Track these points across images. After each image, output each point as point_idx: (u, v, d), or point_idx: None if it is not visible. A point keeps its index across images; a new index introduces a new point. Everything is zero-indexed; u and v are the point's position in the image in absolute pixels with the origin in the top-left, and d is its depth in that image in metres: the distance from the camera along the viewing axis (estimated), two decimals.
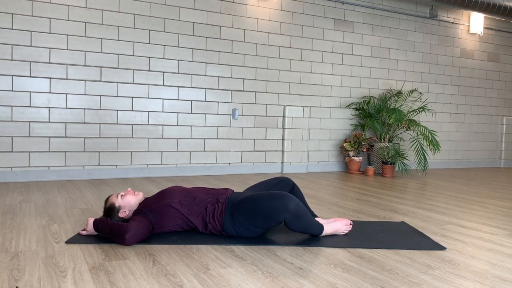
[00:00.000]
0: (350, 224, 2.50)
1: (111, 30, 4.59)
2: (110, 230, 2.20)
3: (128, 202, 2.39)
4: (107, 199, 2.44)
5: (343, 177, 5.31)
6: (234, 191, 2.52)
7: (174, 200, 2.35)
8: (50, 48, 4.34)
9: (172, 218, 2.32)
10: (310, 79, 5.76)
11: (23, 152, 4.29)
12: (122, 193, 2.44)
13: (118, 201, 2.39)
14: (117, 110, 4.66)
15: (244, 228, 2.30)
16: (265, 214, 2.22)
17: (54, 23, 4.35)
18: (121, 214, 2.37)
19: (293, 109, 5.61)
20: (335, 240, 2.34)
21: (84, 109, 4.52)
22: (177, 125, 4.97)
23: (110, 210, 2.39)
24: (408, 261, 2.04)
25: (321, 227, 2.37)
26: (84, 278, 1.73)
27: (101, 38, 4.55)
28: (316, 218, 2.53)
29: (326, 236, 2.43)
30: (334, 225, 2.44)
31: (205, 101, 5.12)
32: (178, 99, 4.96)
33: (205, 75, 5.10)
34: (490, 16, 6.72)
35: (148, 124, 4.82)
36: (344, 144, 5.74)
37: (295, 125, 5.63)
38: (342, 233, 2.47)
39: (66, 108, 4.44)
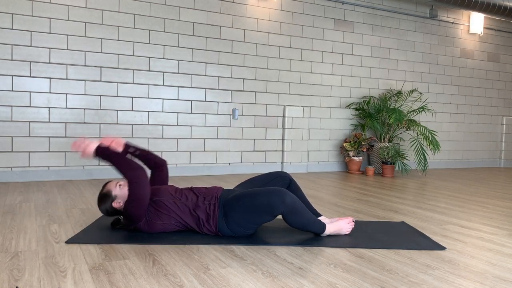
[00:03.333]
0: (353, 221, 2.49)
1: (111, 30, 4.59)
2: (120, 161, 2.25)
3: (125, 193, 2.34)
4: (105, 184, 2.41)
5: (343, 177, 5.31)
6: (224, 188, 2.48)
7: (167, 197, 2.34)
8: (50, 48, 4.34)
9: (165, 215, 2.31)
10: (310, 79, 5.76)
11: (23, 152, 4.29)
12: (121, 183, 2.38)
13: (115, 191, 2.35)
14: (117, 110, 4.66)
15: (239, 227, 2.29)
16: (261, 209, 2.22)
17: (54, 23, 4.35)
18: (115, 204, 2.34)
19: (293, 109, 5.61)
20: (335, 240, 2.34)
21: (84, 109, 4.52)
22: (177, 125, 4.97)
23: (104, 196, 2.35)
24: (408, 261, 2.04)
25: (323, 226, 2.36)
26: (84, 278, 1.73)
27: (101, 38, 4.55)
28: (320, 218, 2.52)
29: (329, 236, 2.42)
30: (337, 224, 2.43)
31: (205, 101, 5.12)
32: (178, 99, 4.97)
33: (205, 75, 5.10)
34: (490, 16, 6.72)
35: (148, 124, 4.82)
36: (344, 144, 5.74)
37: (295, 125, 5.63)
38: (346, 232, 2.45)
39: (66, 108, 4.44)
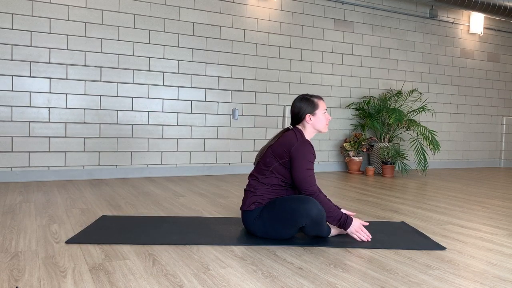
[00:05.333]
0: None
1: (111, 30, 4.59)
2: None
3: (314, 128, 2.40)
4: (321, 98, 2.42)
5: (343, 177, 5.31)
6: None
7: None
8: (50, 48, 4.34)
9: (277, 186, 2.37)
10: (310, 79, 5.76)
11: (23, 152, 4.29)
12: (327, 115, 2.41)
13: (318, 114, 2.37)
14: (117, 110, 4.66)
15: (267, 228, 2.29)
16: (287, 215, 2.19)
17: (54, 23, 4.35)
18: (308, 118, 2.36)
19: None
20: (335, 240, 2.34)
21: (84, 109, 4.52)
22: (177, 125, 4.97)
23: (310, 102, 2.37)
24: (408, 261, 2.04)
25: (329, 231, 2.36)
26: (84, 278, 1.73)
27: (101, 38, 4.55)
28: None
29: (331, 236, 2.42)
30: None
31: (205, 101, 5.12)
32: (178, 99, 4.96)
33: (205, 75, 5.10)
34: (490, 16, 6.72)
35: (148, 124, 4.82)
36: (344, 144, 5.74)
37: None
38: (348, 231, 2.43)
39: (66, 108, 4.44)
